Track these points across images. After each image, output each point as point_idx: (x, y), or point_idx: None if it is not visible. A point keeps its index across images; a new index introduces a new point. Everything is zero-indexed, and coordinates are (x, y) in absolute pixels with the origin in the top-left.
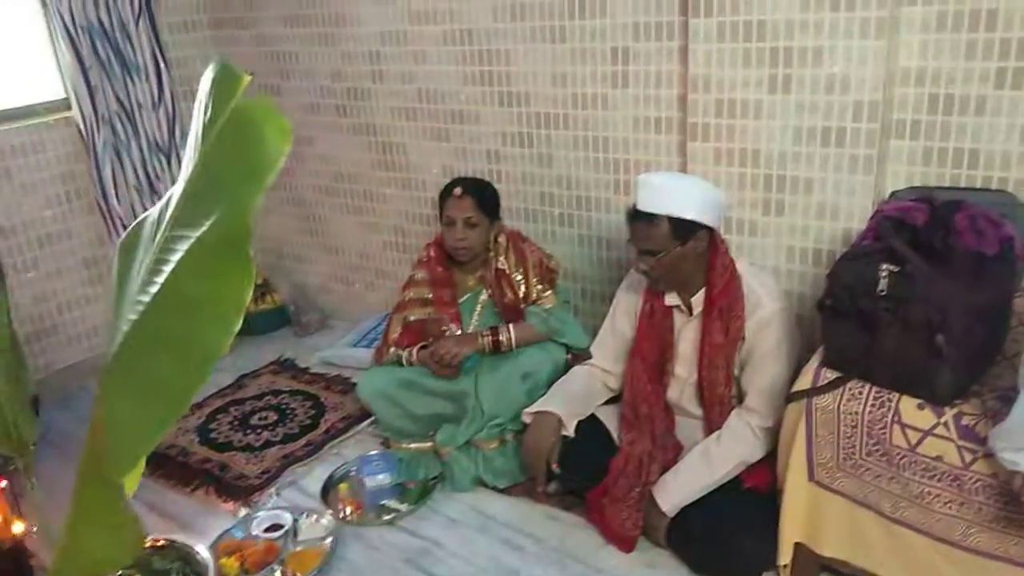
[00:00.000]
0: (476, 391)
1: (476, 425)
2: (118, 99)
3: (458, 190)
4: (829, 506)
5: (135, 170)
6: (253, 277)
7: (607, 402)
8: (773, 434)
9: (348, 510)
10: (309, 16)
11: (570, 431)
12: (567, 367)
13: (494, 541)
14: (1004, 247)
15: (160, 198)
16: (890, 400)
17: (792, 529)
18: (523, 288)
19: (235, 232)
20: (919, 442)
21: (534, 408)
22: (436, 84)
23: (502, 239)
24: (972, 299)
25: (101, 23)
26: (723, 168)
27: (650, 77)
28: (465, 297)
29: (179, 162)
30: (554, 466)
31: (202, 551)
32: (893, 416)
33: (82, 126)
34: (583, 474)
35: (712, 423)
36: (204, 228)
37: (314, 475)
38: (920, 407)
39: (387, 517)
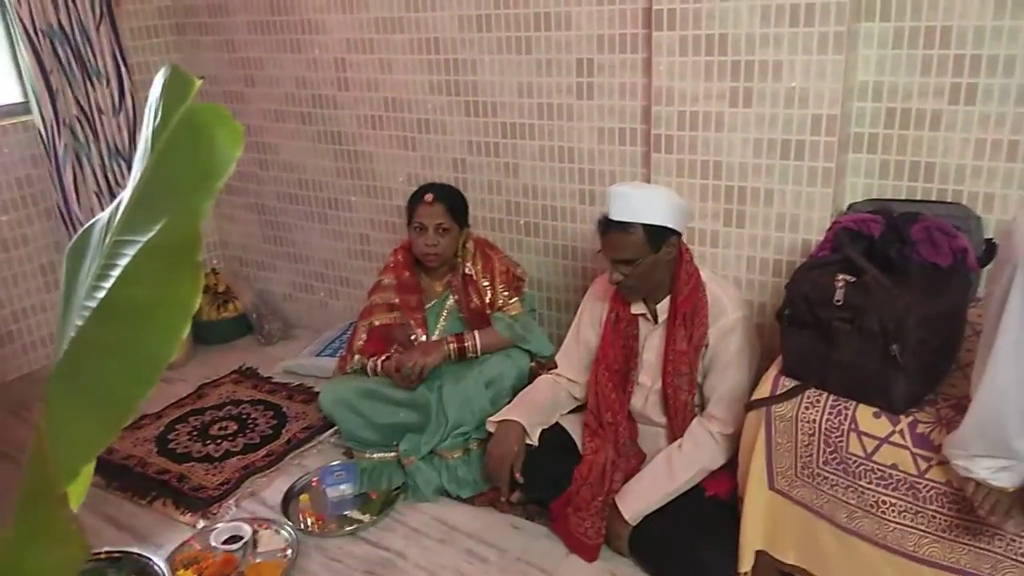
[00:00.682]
0: (440, 400)
1: (440, 434)
2: (79, 103)
3: (429, 196)
4: (788, 514)
5: (95, 175)
6: (202, 283)
7: (572, 411)
8: (734, 441)
9: (309, 521)
10: (275, 23)
11: (534, 440)
12: (532, 375)
13: (457, 551)
14: (958, 258)
15: None
16: (847, 408)
17: (753, 536)
18: (489, 295)
19: (184, 237)
20: (875, 450)
21: (498, 417)
22: (402, 93)
23: (470, 245)
24: (927, 309)
25: (62, 27)
26: (685, 179)
27: (614, 89)
28: (432, 303)
29: None
30: (517, 475)
31: (159, 563)
32: (850, 424)
33: (42, 130)
34: (547, 483)
35: (675, 431)
36: (152, 233)
37: (275, 486)
38: (876, 415)
39: (349, 528)
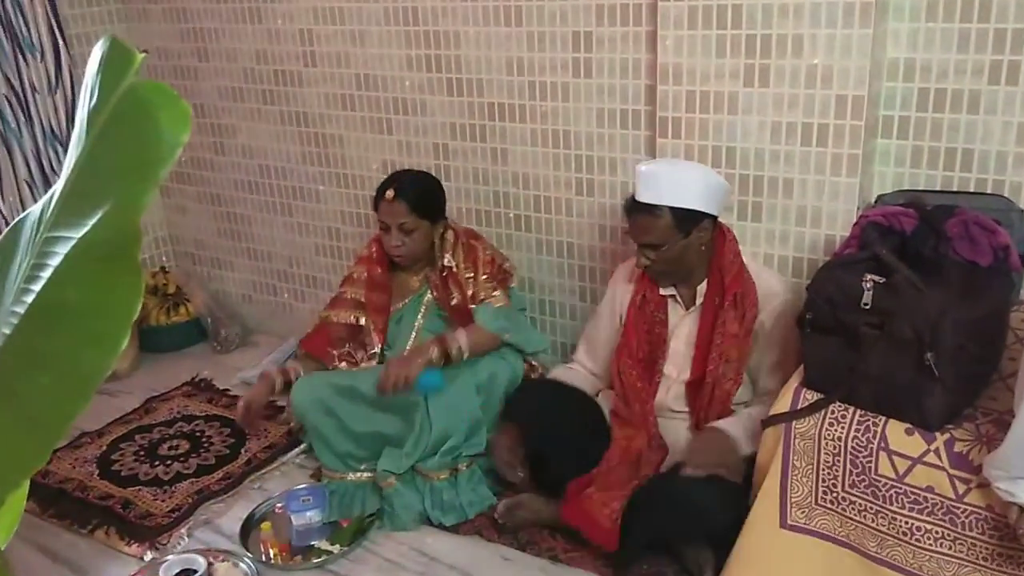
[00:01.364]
0: (425, 405)
1: (423, 444)
2: (8, 81)
3: (390, 192)
4: (800, 555)
5: (27, 162)
6: (143, 285)
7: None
8: None
9: (271, 552)
10: None
11: None
12: (525, 377)
13: None
14: (999, 256)
15: None
16: (876, 424)
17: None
18: (472, 287)
19: (122, 234)
20: (907, 471)
21: None
22: (376, 69)
23: (449, 236)
24: (965, 313)
25: None
26: None
27: (615, 66)
28: (408, 300)
29: None
30: (520, 474)
31: None
32: (879, 442)
33: None
34: (570, 460)
35: (699, 421)
36: (87, 228)
37: (232, 513)
38: (908, 432)
39: (316, 560)
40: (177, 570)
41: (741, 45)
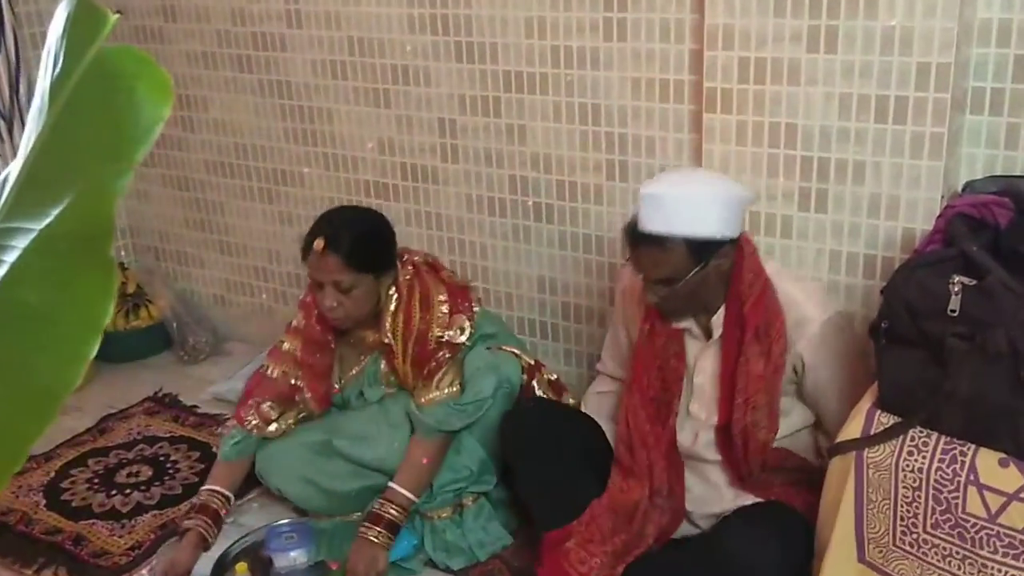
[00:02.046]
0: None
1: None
2: None
3: (319, 243)
4: None
5: None
6: (116, 285)
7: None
8: None
9: None
10: None
11: None
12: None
13: None
14: None
15: None
16: (964, 454)
17: None
18: (412, 378)
19: (93, 225)
20: (1001, 509)
21: None
22: (372, 31)
23: (393, 296)
24: None
25: None
26: (748, 148)
27: (654, 27)
28: (362, 364)
29: (23, 129)
30: None
31: None
32: (968, 475)
33: None
34: (557, 504)
35: (741, 471)
36: (50, 219)
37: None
38: (1003, 463)
39: None
40: None
41: (804, 3)
